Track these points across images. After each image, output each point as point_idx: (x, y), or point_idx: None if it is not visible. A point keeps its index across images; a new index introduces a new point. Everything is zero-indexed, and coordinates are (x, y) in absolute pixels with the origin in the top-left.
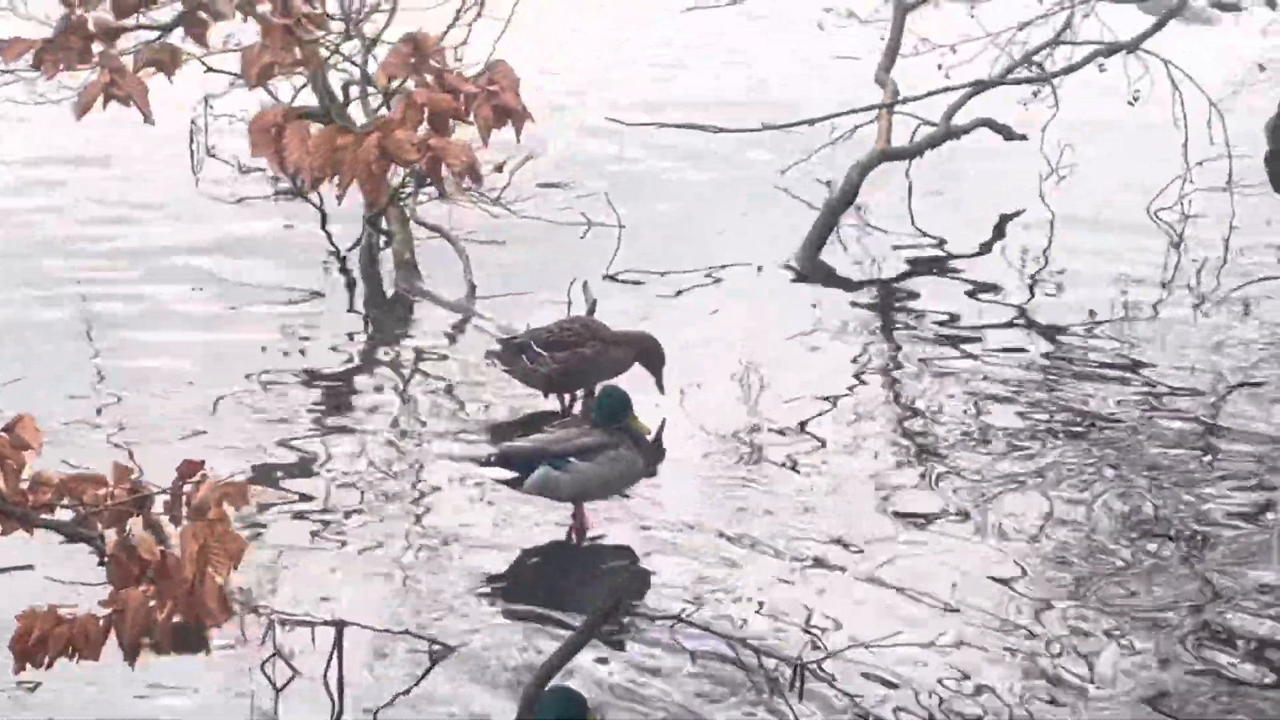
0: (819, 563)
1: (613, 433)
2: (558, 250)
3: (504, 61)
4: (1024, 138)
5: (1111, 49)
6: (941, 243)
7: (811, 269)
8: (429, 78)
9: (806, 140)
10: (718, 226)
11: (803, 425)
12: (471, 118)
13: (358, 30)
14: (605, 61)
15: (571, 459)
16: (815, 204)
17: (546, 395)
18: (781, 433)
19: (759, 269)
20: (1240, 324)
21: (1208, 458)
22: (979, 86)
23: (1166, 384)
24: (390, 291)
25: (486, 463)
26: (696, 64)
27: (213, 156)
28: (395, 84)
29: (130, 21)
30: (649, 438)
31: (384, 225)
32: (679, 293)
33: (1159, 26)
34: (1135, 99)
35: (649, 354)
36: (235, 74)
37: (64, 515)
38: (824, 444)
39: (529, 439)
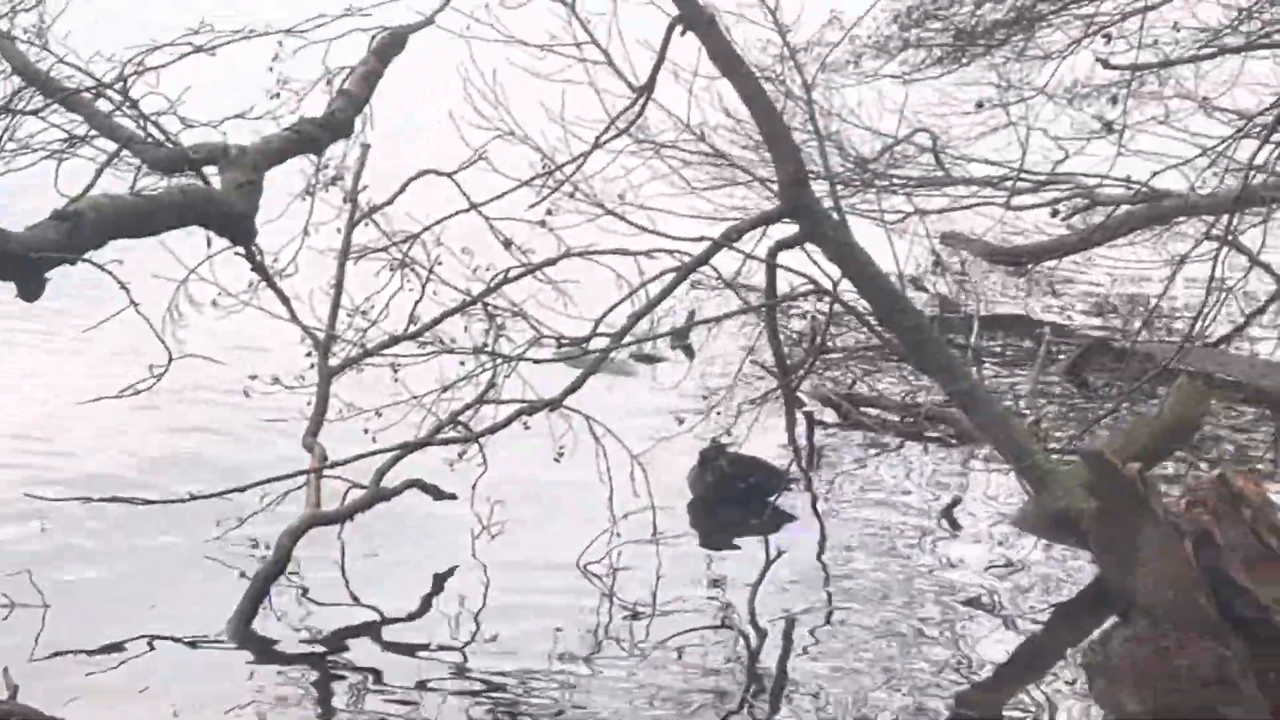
0: None
1: None
2: None
3: None
4: (454, 497)
5: (534, 407)
6: (376, 607)
7: (243, 639)
8: None
9: (236, 507)
10: (148, 599)
11: None
12: None
13: None
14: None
15: None
16: (247, 571)
17: None
18: None
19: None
20: (664, 671)
21: None
22: (406, 448)
23: None
24: None
25: None
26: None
27: None
28: None
29: None
30: None
31: None
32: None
33: (580, 383)
34: (560, 455)
35: None
36: None
37: None
38: None
39: None
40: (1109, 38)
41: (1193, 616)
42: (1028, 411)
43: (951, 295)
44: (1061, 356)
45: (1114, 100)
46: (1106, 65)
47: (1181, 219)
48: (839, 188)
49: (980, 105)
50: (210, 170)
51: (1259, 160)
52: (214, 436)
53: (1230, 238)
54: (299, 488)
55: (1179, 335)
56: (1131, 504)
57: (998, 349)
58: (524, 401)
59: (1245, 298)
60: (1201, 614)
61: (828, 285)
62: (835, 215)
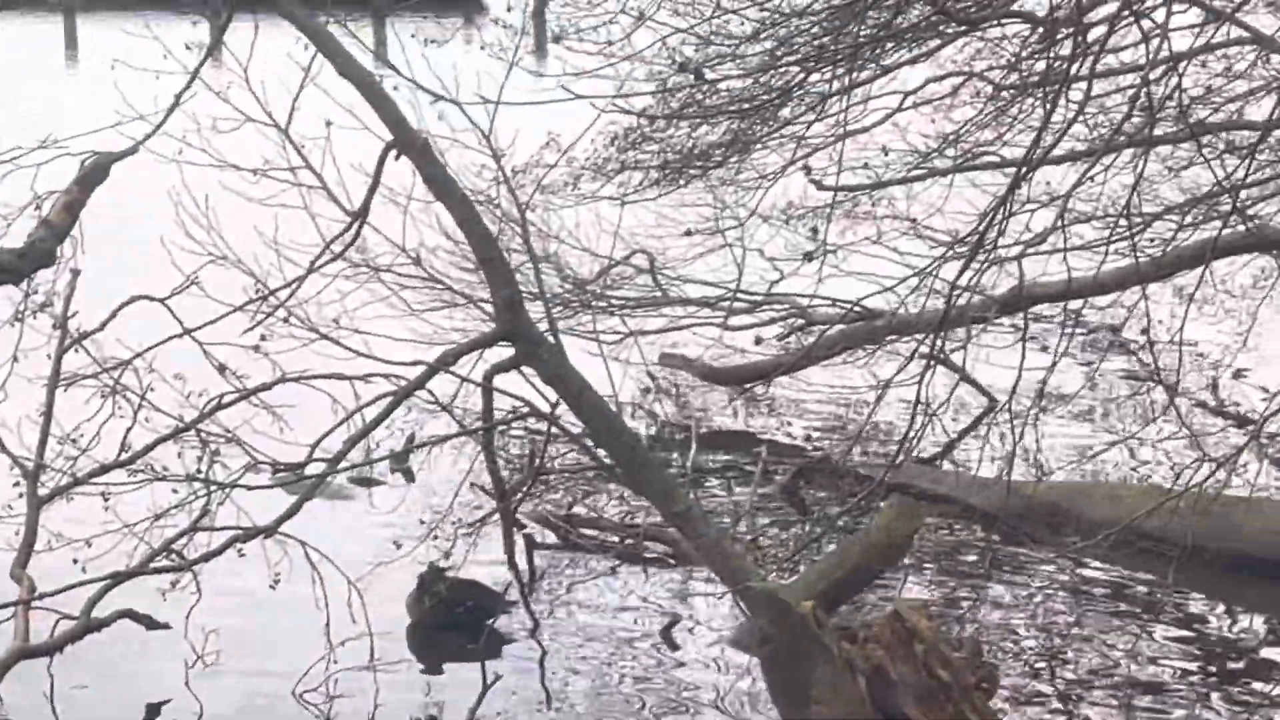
0: None
1: None
2: None
3: None
4: (167, 626)
5: (249, 534)
6: None
7: None
8: None
9: None
10: None
11: None
12: None
13: None
14: None
15: None
16: None
17: None
18: None
19: None
20: None
21: None
22: (118, 578)
23: None
24: None
25: None
26: None
27: None
28: None
29: None
30: None
31: None
32: None
33: (296, 509)
34: (276, 582)
35: None
36: None
37: None
38: None
39: None
40: (809, 169)
41: None
42: (746, 531)
43: (670, 416)
44: (780, 475)
45: (814, 231)
46: (820, 186)
47: (893, 338)
48: (557, 309)
49: (689, 233)
50: None
51: (963, 280)
52: None
53: (941, 356)
54: (7, 620)
55: (894, 452)
56: (805, 642)
57: (717, 468)
58: (239, 528)
59: (957, 414)
60: None
61: (545, 408)
62: (551, 338)
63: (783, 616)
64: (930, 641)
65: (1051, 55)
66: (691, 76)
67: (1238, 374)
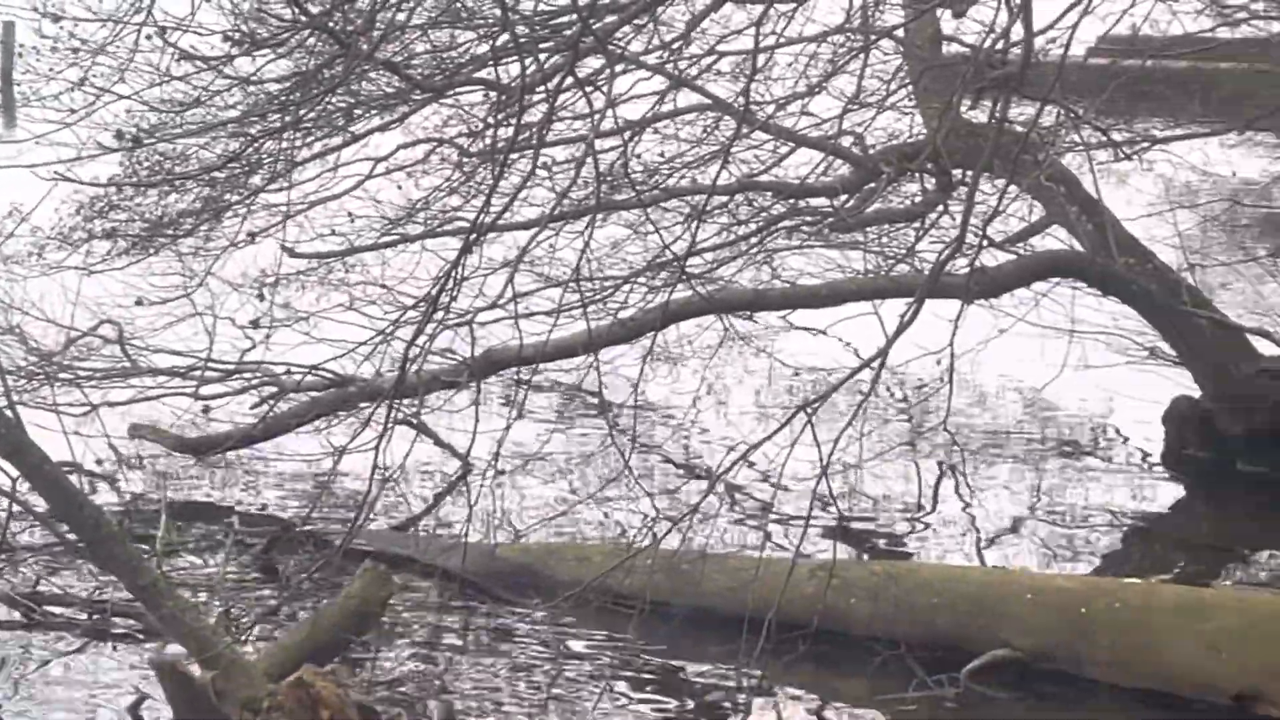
0: None
1: None
2: None
3: None
4: None
5: None
6: None
7: None
8: None
9: None
10: None
11: None
12: None
13: None
14: None
15: None
16: None
17: None
18: None
19: None
20: None
21: None
22: None
23: None
24: None
25: None
26: None
27: None
28: None
29: None
30: None
31: None
32: None
33: None
34: None
35: None
36: None
37: None
38: None
39: None
40: (253, 237)
41: None
42: (220, 602)
43: (141, 488)
44: (254, 543)
45: (261, 297)
46: (292, 254)
47: (365, 403)
48: (20, 382)
49: (140, 302)
50: None
51: (420, 343)
52: None
53: (401, 419)
54: None
55: (372, 517)
56: (204, 713)
57: (190, 540)
58: None
59: (437, 479)
60: None
61: (5, 484)
62: (9, 413)
63: (184, 688)
64: (336, 708)
65: (514, 123)
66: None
67: (704, 432)
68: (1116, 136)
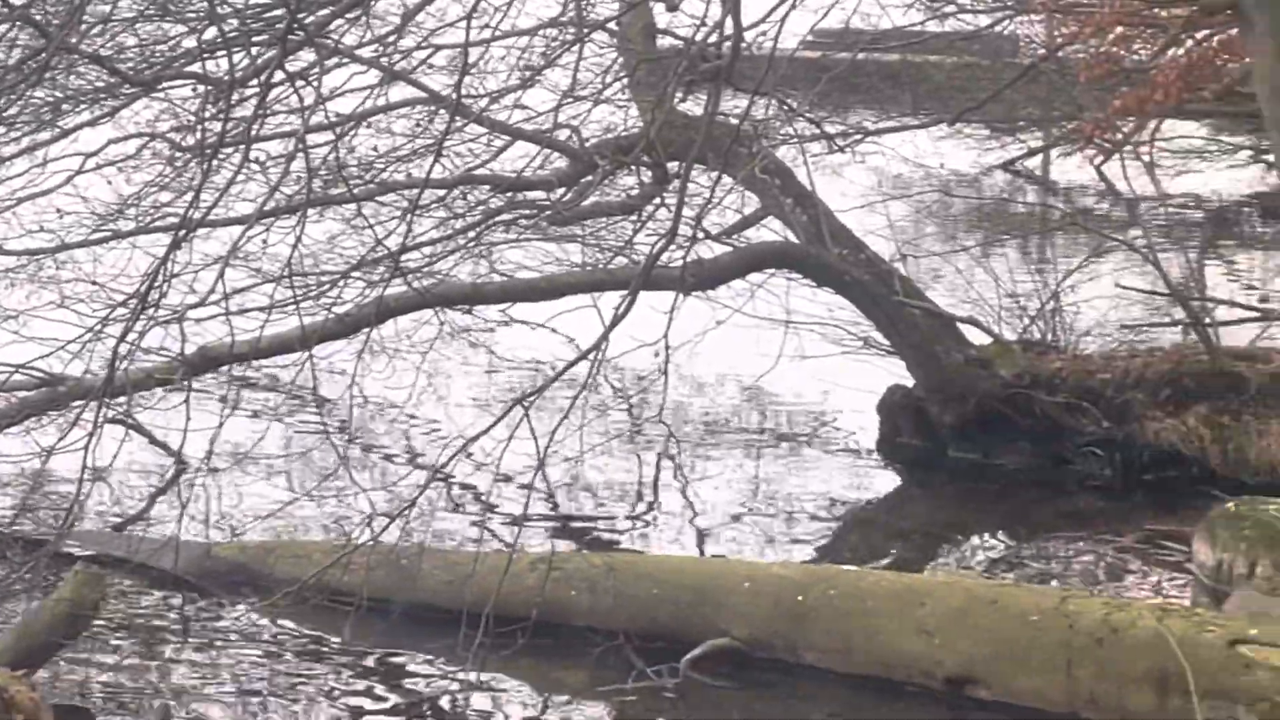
0: None
1: None
2: None
3: None
4: None
5: None
6: None
7: None
8: None
9: None
10: None
11: None
12: None
13: None
14: None
15: None
16: None
17: None
18: None
19: None
20: None
21: None
22: None
23: None
24: None
25: None
26: None
27: None
28: None
29: None
30: None
31: None
32: None
33: None
34: None
35: None
36: None
37: None
38: None
39: None
40: None
41: None
42: None
43: None
44: None
45: None
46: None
47: (76, 402)
48: None
49: None
50: None
51: (129, 339)
52: None
53: (112, 418)
54: None
55: (86, 518)
56: None
57: None
58: None
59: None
60: None
61: None
62: None
63: None
64: (29, 711)
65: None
66: None
67: (424, 426)
68: (830, 129)
